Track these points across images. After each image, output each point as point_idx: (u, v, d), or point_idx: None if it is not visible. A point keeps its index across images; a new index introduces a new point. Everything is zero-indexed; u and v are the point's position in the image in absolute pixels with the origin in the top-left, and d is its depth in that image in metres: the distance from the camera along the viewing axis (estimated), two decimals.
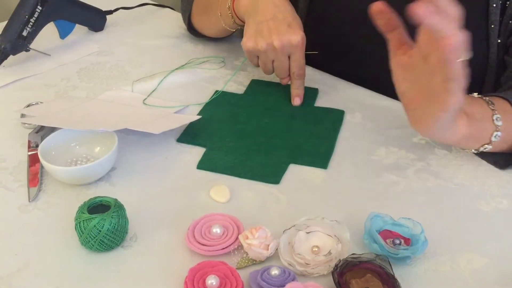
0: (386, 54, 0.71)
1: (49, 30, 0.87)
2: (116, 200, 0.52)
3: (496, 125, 0.55)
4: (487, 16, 0.69)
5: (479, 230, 0.54)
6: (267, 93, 0.76)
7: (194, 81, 0.80)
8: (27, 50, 0.85)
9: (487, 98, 0.57)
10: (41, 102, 0.74)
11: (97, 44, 0.91)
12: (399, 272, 0.48)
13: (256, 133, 0.68)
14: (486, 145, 0.56)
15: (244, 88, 0.77)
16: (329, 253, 0.50)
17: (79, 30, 0.93)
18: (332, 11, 0.81)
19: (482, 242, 0.52)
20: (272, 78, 0.78)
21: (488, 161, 0.62)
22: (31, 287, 0.49)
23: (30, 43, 0.84)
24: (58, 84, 0.80)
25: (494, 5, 0.68)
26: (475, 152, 0.58)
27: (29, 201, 0.58)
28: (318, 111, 0.72)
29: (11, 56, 0.83)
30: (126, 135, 0.65)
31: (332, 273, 0.47)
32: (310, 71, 0.80)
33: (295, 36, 0.68)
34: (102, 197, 0.53)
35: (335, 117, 0.71)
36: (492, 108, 0.56)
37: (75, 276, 0.50)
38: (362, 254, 0.48)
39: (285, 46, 0.68)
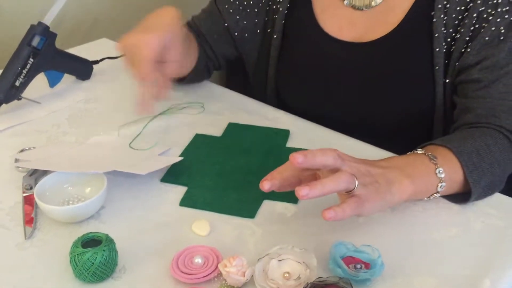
0: (351, 98, 0.80)
1: (39, 80, 0.94)
2: (107, 235, 0.58)
3: (439, 178, 0.64)
4: (432, 59, 0.78)
5: (430, 255, 0.61)
6: (242, 135, 0.84)
7: (176, 125, 0.87)
8: (19, 99, 0.91)
9: (429, 153, 0.65)
10: (34, 148, 0.80)
11: (84, 92, 0.98)
12: None
13: (233, 172, 0.75)
14: (434, 194, 0.65)
15: (222, 131, 0.85)
16: (299, 277, 0.56)
17: (67, 79, 1.00)
18: (299, 59, 0.90)
19: (433, 266, 0.59)
20: (248, 121, 0.86)
21: (448, 199, 0.69)
22: None
23: (22, 92, 0.91)
24: (49, 130, 0.86)
25: (437, 49, 0.77)
26: (431, 198, 0.66)
27: (25, 239, 0.63)
28: (289, 151, 0.79)
29: (3, 105, 0.89)
30: (114, 176, 0.71)
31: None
32: (281, 114, 0.89)
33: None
34: (94, 233, 0.58)
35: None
36: (435, 162, 0.64)
37: None
38: (327, 277, 0.54)
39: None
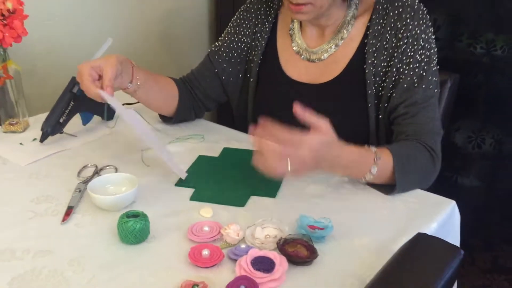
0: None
1: (75, 119, 1.21)
2: (142, 211, 0.84)
3: (374, 160, 0.92)
4: (365, 98, 1.08)
5: (367, 225, 0.87)
6: (234, 156, 1.11)
7: (183, 150, 1.14)
8: (61, 133, 1.18)
9: (376, 151, 0.94)
10: (91, 165, 1.06)
11: (109, 128, 1.26)
12: (318, 246, 0.80)
13: (228, 179, 1.02)
14: (368, 175, 0.93)
15: (219, 153, 1.12)
16: (275, 237, 0.82)
17: (95, 119, 1.28)
18: (270, 96, 1.19)
19: (369, 231, 0.86)
20: (238, 146, 1.14)
21: (377, 189, 0.97)
22: (89, 269, 0.78)
23: (63, 127, 1.18)
24: (86, 155, 1.13)
25: (369, 92, 1.07)
26: (364, 182, 0.94)
27: (61, 223, 0.88)
28: None
29: (50, 136, 1.16)
30: (142, 179, 0.97)
31: (277, 244, 0.79)
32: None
33: None
34: (133, 210, 0.84)
35: None
36: (375, 153, 0.93)
37: (118, 259, 0.80)
38: (294, 234, 0.81)
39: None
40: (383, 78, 1.07)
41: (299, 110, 0.83)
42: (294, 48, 1.16)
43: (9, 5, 1.09)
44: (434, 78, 1.06)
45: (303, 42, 1.15)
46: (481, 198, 1.64)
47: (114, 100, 0.98)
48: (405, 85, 1.05)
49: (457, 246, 0.71)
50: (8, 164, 1.09)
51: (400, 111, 1.06)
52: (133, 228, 0.81)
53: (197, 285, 0.72)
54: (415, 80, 1.04)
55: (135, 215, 0.84)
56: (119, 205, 0.91)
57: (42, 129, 1.15)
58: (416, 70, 1.04)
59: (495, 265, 1.68)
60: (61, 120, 1.16)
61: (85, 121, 1.25)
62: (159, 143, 1.04)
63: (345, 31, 1.12)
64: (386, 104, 1.08)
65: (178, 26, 2.03)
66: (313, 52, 1.14)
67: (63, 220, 0.89)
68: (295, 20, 1.18)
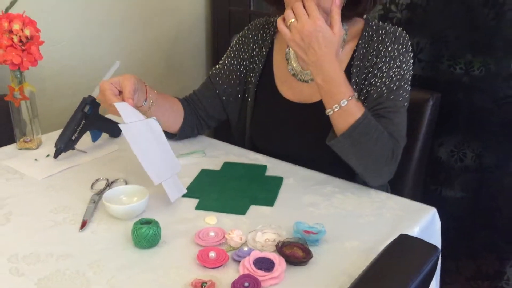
0: (302, 141, 1.18)
1: (85, 136, 1.31)
2: (154, 219, 0.93)
3: (349, 98, 1.03)
4: None
5: (357, 230, 0.97)
6: (234, 169, 1.21)
7: (187, 164, 1.23)
8: (73, 149, 1.27)
9: (357, 95, 1.07)
10: (103, 178, 1.15)
11: (116, 145, 1.35)
12: (312, 248, 0.89)
13: (229, 190, 1.11)
14: (335, 106, 1.04)
15: (220, 167, 1.22)
16: (274, 240, 0.91)
17: (104, 136, 1.37)
18: (266, 115, 1.29)
19: (358, 235, 0.95)
20: (237, 161, 1.24)
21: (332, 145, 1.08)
22: (107, 270, 0.87)
23: (75, 144, 1.27)
24: (95, 170, 1.22)
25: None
26: (330, 111, 1.05)
27: (79, 230, 0.97)
28: (267, 178, 1.17)
29: (63, 153, 1.25)
30: (151, 193, 1.06)
31: (276, 246, 0.88)
32: (259, 156, 1.27)
33: None
34: (146, 218, 0.93)
35: (277, 180, 1.15)
36: (354, 95, 1.04)
37: (133, 262, 0.89)
38: (291, 238, 0.90)
39: None
40: (363, 93, 1.18)
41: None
42: (290, 70, 1.27)
43: (27, 32, 1.19)
44: (404, 94, 1.16)
45: (298, 65, 1.26)
46: (464, 208, 1.74)
47: (131, 111, 1.06)
48: (375, 95, 1.16)
49: (434, 245, 0.81)
50: (25, 179, 1.17)
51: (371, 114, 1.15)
52: (147, 233, 0.90)
53: (206, 283, 0.81)
54: (385, 91, 1.15)
55: (148, 222, 0.93)
56: (131, 214, 1.00)
57: (55, 146, 1.24)
58: (387, 83, 1.15)
59: (479, 273, 1.77)
60: (73, 137, 1.26)
61: (95, 138, 1.34)
62: (167, 157, 1.11)
63: None
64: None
65: (178, 49, 2.14)
66: (307, 74, 1.25)
67: (81, 227, 0.98)
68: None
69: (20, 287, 0.82)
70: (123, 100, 1.07)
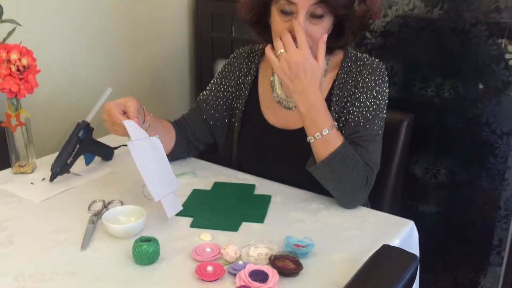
0: (285, 163, 1.25)
1: (79, 160, 1.36)
2: (153, 237, 0.99)
3: (330, 128, 1.11)
4: None
5: (342, 243, 1.05)
6: (225, 188, 1.27)
7: (179, 185, 1.30)
8: (68, 172, 1.32)
9: (336, 125, 1.15)
10: (99, 200, 1.20)
11: (109, 167, 1.41)
12: (302, 260, 0.96)
13: (221, 208, 1.18)
14: (317, 134, 1.11)
15: (210, 187, 1.29)
16: (267, 254, 0.98)
17: (96, 159, 1.42)
18: (252, 139, 1.36)
19: (344, 247, 1.03)
20: (227, 181, 1.30)
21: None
22: (111, 286, 0.92)
23: (70, 168, 1.32)
24: (90, 192, 1.27)
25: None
26: (311, 139, 1.12)
27: (80, 250, 1.02)
28: (256, 196, 1.24)
29: (58, 176, 1.30)
30: (148, 209, 1.12)
31: (269, 259, 0.95)
32: (247, 176, 1.34)
33: None
34: (145, 236, 0.99)
35: (266, 199, 1.22)
36: (335, 125, 1.13)
37: (134, 278, 0.94)
38: (283, 251, 0.97)
39: None
40: (341, 120, 1.27)
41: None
42: (275, 97, 1.35)
43: (24, 61, 1.25)
44: (380, 122, 1.25)
45: (283, 93, 1.34)
46: (440, 223, 1.83)
47: (137, 129, 1.12)
48: (352, 124, 1.24)
49: (413, 254, 0.89)
50: (23, 202, 1.22)
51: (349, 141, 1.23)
52: (147, 251, 0.96)
53: None
54: (361, 120, 1.24)
55: (148, 240, 0.98)
56: (131, 233, 1.05)
57: (51, 170, 1.29)
58: (364, 113, 1.24)
59: (455, 284, 1.86)
60: (68, 161, 1.31)
61: (88, 161, 1.39)
62: (167, 175, 1.16)
63: None
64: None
65: (163, 74, 2.22)
66: (291, 101, 1.33)
67: (82, 246, 1.03)
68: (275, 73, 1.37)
69: None
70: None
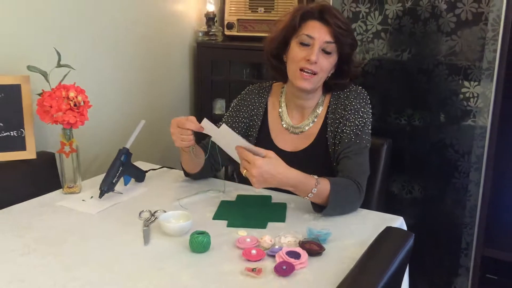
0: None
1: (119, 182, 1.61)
2: (205, 231, 1.25)
3: (316, 185, 1.38)
4: (328, 155, 1.56)
5: (349, 233, 1.34)
6: (247, 199, 1.55)
7: (208, 198, 1.56)
8: (113, 191, 1.57)
9: (318, 178, 1.41)
10: (146, 210, 1.45)
11: (144, 188, 1.66)
12: (322, 244, 1.24)
13: (248, 213, 1.45)
14: (310, 194, 1.39)
15: (235, 198, 1.56)
16: (295, 241, 1.26)
17: (132, 180, 1.67)
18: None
19: (354, 236, 1.31)
20: (247, 193, 1.58)
21: (313, 207, 1.44)
22: (177, 268, 1.17)
23: (114, 186, 1.57)
24: (135, 205, 1.52)
25: (330, 150, 1.57)
26: (307, 199, 1.40)
27: (144, 245, 1.27)
28: (273, 204, 1.52)
29: (105, 194, 1.54)
30: (193, 214, 1.38)
31: (299, 243, 1.22)
32: (263, 190, 1.62)
33: None
34: (199, 230, 1.25)
35: (282, 205, 1.50)
36: (317, 181, 1.39)
37: (193, 262, 1.19)
38: (308, 238, 1.25)
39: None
40: (336, 139, 1.58)
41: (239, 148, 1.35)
42: (283, 125, 1.65)
43: (80, 98, 1.52)
44: (367, 137, 1.57)
45: (290, 121, 1.65)
46: (416, 233, 2.14)
47: (211, 124, 1.40)
48: (346, 140, 1.55)
49: (410, 232, 1.18)
50: (81, 214, 1.45)
51: (341, 156, 1.54)
52: (202, 240, 1.22)
53: (255, 269, 1.14)
54: (352, 137, 1.55)
55: (200, 233, 1.25)
56: (183, 231, 1.31)
57: (100, 188, 1.54)
58: (354, 130, 1.55)
59: (432, 285, 2.15)
60: (113, 181, 1.56)
61: (127, 182, 1.64)
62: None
63: (317, 111, 1.63)
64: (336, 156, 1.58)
65: (168, 111, 2.51)
66: (297, 127, 1.64)
67: (145, 243, 1.28)
68: (283, 105, 1.68)
69: (117, 280, 1.11)
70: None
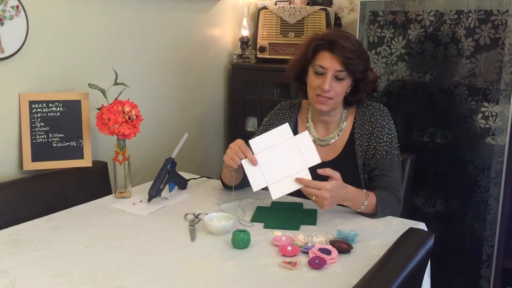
0: None
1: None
2: (246, 230, 1.41)
3: (366, 197, 1.55)
4: (356, 167, 1.72)
5: (375, 235, 1.47)
6: (280, 205, 1.70)
7: (246, 204, 1.72)
8: (160, 196, 1.74)
9: (367, 192, 1.57)
10: (190, 212, 1.62)
11: (187, 194, 1.83)
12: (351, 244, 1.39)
13: (282, 216, 1.60)
14: (362, 206, 1.55)
15: (269, 205, 1.72)
16: (326, 240, 1.40)
17: (175, 188, 1.85)
18: None
19: (377, 236, 1.45)
20: (280, 200, 1.74)
21: (367, 216, 1.59)
22: (223, 260, 1.32)
23: (161, 192, 1.74)
24: (180, 209, 1.69)
25: (359, 162, 1.72)
26: (359, 211, 1.56)
27: (191, 241, 1.43)
28: (305, 210, 1.67)
29: (154, 198, 1.72)
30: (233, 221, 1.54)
31: (330, 242, 1.37)
32: (295, 198, 1.77)
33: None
34: (240, 229, 1.41)
35: (313, 211, 1.65)
36: (367, 194, 1.56)
37: (236, 255, 1.35)
38: (338, 238, 1.39)
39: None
40: (366, 153, 1.73)
41: (321, 171, 1.50)
42: (311, 138, 1.81)
43: (133, 112, 1.71)
44: (396, 152, 1.72)
45: (317, 134, 1.81)
46: (437, 244, 2.25)
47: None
48: (378, 157, 1.70)
49: (430, 232, 1.32)
50: (133, 215, 1.63)
51: (376, 173, 1.70)
52: (243, 237, 1.38)
53: (291, 262, 1.29)
54: (384, 154, 1.70)
55: (242, 231, 1.40)
56: (225, 230, 1.47)
57: (149, 193, 1.71)
58: (384, 146, 1.70)
59: None
60: (161, 187, 1.73)
61: (171, 189, 1.82)
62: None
63: (342, 125, 1.79)
64: (367, 169, 1.73)
65: (203, 127, 2.69)
66: (323, 140, 1.80)
67: (192, 239, 1.44)
68: (309, 120, 1.84)
69: (173, 269, 1.27)
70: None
